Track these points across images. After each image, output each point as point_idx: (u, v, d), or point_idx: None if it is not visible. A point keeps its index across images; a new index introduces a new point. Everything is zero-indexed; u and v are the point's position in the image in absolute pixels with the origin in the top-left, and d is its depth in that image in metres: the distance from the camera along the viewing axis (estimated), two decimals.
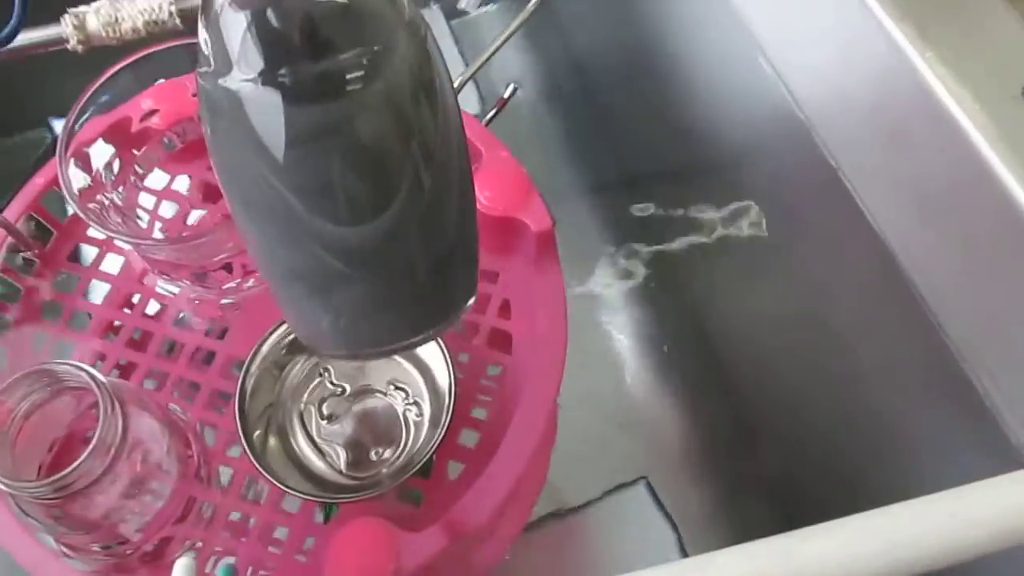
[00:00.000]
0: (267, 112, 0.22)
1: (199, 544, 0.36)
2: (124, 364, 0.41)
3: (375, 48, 0.22)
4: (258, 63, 0.21)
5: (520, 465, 0.36)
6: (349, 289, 0.25)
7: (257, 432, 0.38)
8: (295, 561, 0.36)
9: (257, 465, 0.36)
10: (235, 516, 0.37)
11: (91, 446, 0.29)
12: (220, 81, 0.22)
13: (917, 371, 0.42)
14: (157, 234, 0.41)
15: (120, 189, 0.41)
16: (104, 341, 0.40)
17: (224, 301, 0.41)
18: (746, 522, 0.60)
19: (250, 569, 0.36)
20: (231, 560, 0.34)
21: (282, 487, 0.36)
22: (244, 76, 0.21)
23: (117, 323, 0.41)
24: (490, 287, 0.41)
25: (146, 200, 0.43)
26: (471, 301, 0.28)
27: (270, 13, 0.21)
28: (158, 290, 0.42)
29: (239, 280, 0.40)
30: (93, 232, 0.43)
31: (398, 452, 0.39)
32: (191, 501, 0.36)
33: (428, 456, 0.37)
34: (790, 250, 0.50)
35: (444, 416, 0.37)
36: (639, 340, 0.63)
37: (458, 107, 0.25)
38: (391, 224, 0.24)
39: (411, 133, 0.23)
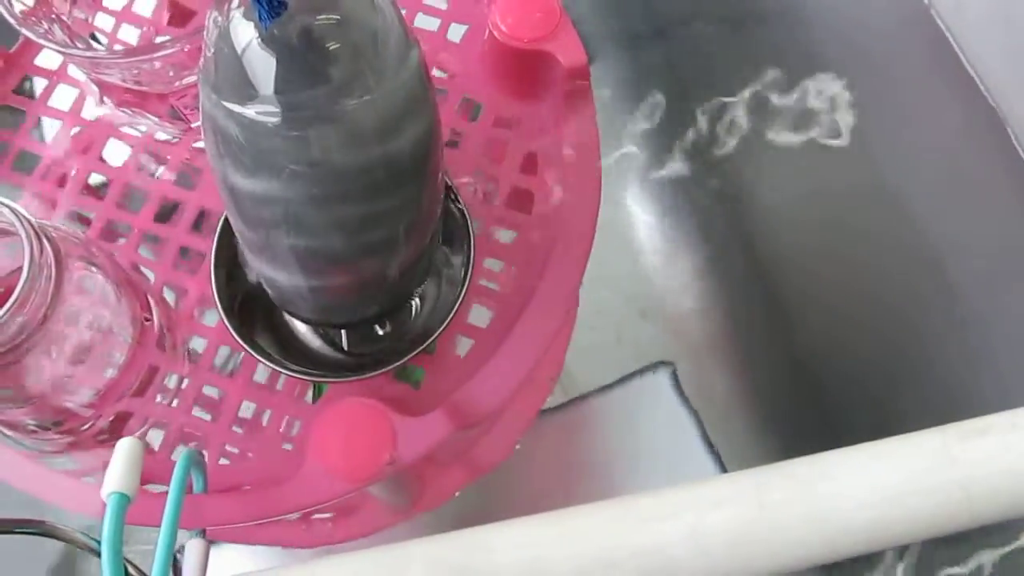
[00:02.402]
0: (261, 136, 0.22)
1: (163, 423, 0.31)
2: (78, 215, 0.35)
3: (376, 82, 0.22)
4: (260, 88, 0.21)
5: (539, 345, 0.31)
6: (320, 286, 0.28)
7: (239, 300, 0.33)
8: (275, 447, 0.30)
9: (235, 334, 0.31)
10: (207, 393, 0.32)
11: (14, 296, 0.23)
12: (222, 100, 0.22)
13: (1006, 244, 0.35)
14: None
15: (70, 8, 0.34)
16: (55, 187, 0.34)
17: (197, 144, 0.35)
18: (773, 414, 0.55)
19: (221, 454, 0.31)
20: (194, 445, 0.29)
21: (264, 361, 0.31)
22: (254, 109, 0.21)
23: (71, 167, 0.35)
24: (509, 136, 0.34)
25: (106, 24, 0.36)
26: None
27: (283, 39, 0.21)
28: (119, 128, 0.35)
29: None
30: (43, 62, 0.37)
31: (405, 327, 0.34)
32: (152, 373, 0.30)
33: (440, 332, 0.31)
34: (863, 116, 0.43)
35: (459, 287, 0.32)
36: (666, 218, 0.57)
37: (433, 129, 0.25)
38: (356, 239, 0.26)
39: (394, 169, 0.24)
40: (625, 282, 0.57)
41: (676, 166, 0.57)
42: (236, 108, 0.22)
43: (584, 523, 0.13)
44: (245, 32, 0.21)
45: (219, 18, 0.21)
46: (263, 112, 0.21)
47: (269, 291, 0.30)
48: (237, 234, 0.27)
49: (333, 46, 0.21)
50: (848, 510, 0.13)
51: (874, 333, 0.49)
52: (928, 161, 0.40)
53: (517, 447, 0.45)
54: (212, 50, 0.22)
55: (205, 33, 0.22)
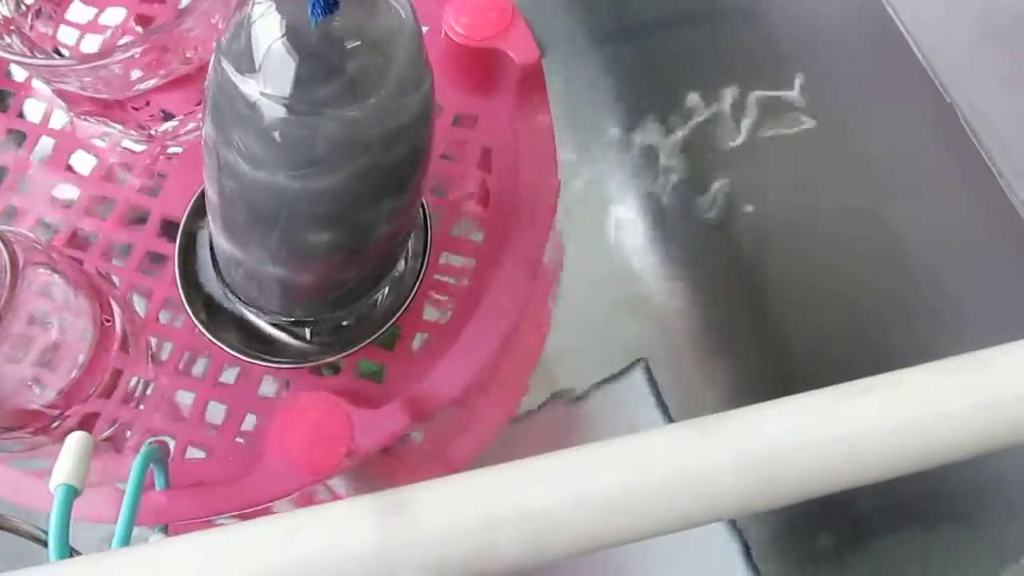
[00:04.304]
0: (270, 122, 0.22)
1: (131, 422, 0.31)
2: (46, 223, 0.36)
3: (391, 92, 0.23)
4: (278, 84, 0.22)
5: (495, 339, 0.31)
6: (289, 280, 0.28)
7: (202, 295, 0.33)
8: (237, 443, 0.31)
9: (200, 326, 0.32)
10: (172, 392, 0.32)
11: None
12: (235, 76, 0.22)
13: (971, 235, 0.36)
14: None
15: (31, 21, 0.35)
16: (22, 196, 0.35)
17: (169, 150, 0.36)
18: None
19: (186, 451, 0.31)
20: (155, 441, 0.30)
21: (226, 349, 0.31)
22: (262, 90, 0.22)
23: (36, 176, 0.35)
24: (467, 133, 0.35)
25: (69, 38, 0.37)
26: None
27: (303, 37, 0.21)
28: (84, 139, 0.36)
29: (176, 123, 0.34)
30: (10, 74, 0.37)
31: (366, 316, 0.34)
32: (117, 375, 0.31)
33: (392, 323, 0.32)
34: (824, 106, 0.43)
35: (414, 281, 0.32)
36: (646, 217, 0.58)
37: (429, 145, 0.27)
38: (350, 242, 0.27)
39: (395, 181, 0.26)
40: (607, 281, 0.57)
41: (654, 164, 0.57)
42: (251, 92, 0.22)
43: (470, 485, 0.14)
44: (277, 21, 0.21)
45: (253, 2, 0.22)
46: (276, 98, 0.22)
47: (236, 280, 0.30)
48: (214, 218, 0.28)
49: (356, 51, 0.22)
50: (733, 470, 0.14)
51: (848, 330, 0.49)
52: (890, 159, 0.41)
53: (494, 444, 0.45)
54: (238, 30, 0.22)
55: (234, 13, 0.23)
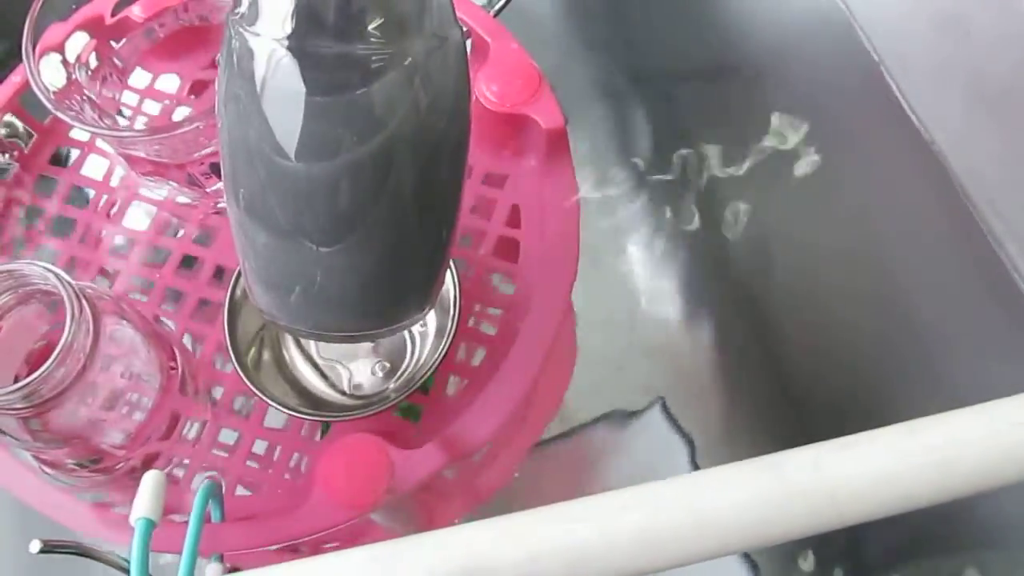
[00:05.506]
0: (280, 78, 0.22)
1: (186, 461, 0.34)
2: (107, 272, 0.39)
3: (405, 48, 0.22)
4: (286, 26, 0.21)
5: (525, 382, 0.34)
6: (324, 273, 0.26)
7: (251, 349, 0.36)
8: (285, 480, 0.34)
9: (246, 380, 0.34)
10: (225, 433, 0.35)
11: (57, 350, 0.27)
12: (244, 31, 0.22)
13: (965, 288, 0.38)
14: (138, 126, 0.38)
15: (99, 87, 0.38)
16: (85, 247, 0.38)
17: (220, 205, 0.39)
18: (767, 449, 0.57)
19: (237, 487, 0.34)
20: (212, 478, 0.32)
21: (274, 404, 0.34)
22: (271, 35, 0.21)
23: (100, 229, 0.39)
24: (497, 192, 0.38)
25: (131, 99, 0.40)
26: (426, 311, 0.29)
27: None
28: (143, 194, 0.39)
29: None
30: (76, 134, 0.41)
31: (402, 368, 0.37)
32: (177, 416, 0.34)
33: (430, 372, 0.34)
34: (825, 160, 0.46)
35: (448, 329, 0.35)
36: (660, 261, 0.60)
37: (469, 116, 0.26)
38: (378, 219, 0.24)
39: (417, 139, 0.24)
40: (621, 321, 0.60)
41: (669, 208, 0.60)
42: (265, 46, 0.22)
43: (515, 525, 0.16)
44: None
45: None
46: (288, 39, 0.21)
47: (263, 293, 0.28)
48: (251, 226, 0.26)
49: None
50: (731, 515, 0.16)
51: (857, 371, 0.51)
52: (891, 218, 0.44)
53: (516, 475, 0.48)
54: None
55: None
